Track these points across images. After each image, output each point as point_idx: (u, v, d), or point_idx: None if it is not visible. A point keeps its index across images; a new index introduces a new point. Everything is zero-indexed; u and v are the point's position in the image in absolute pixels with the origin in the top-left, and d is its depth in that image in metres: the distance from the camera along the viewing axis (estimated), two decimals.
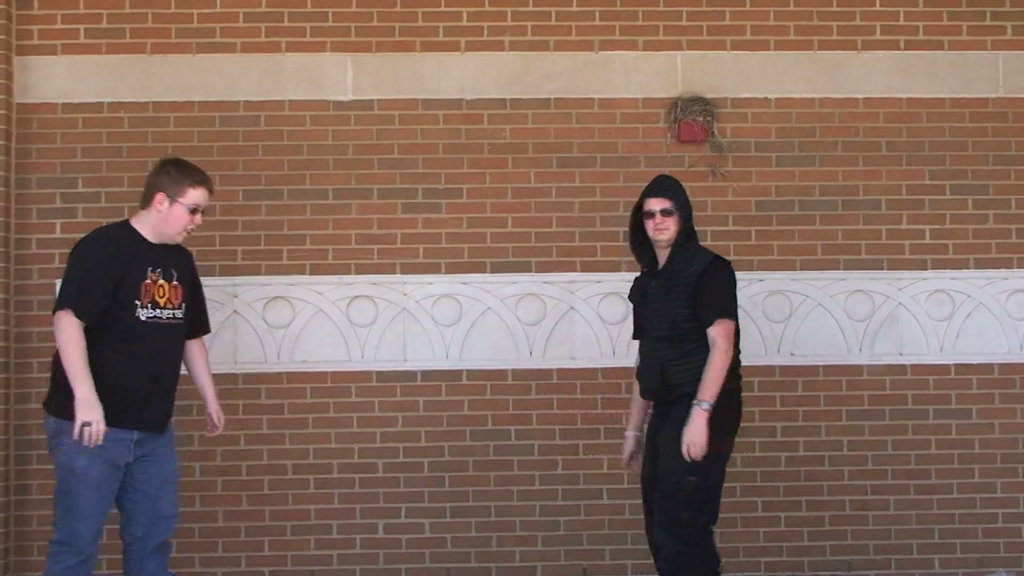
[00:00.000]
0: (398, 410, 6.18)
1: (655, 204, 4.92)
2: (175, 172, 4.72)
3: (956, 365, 6.29)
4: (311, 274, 6.21)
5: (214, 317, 6.11)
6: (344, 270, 6.21)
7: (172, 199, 4.68)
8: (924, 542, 6.22)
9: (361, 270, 6.21)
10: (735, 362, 4.94)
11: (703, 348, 4.79)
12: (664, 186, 4.99)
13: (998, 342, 6.32)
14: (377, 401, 6.18)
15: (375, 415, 6.17)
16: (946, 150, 6.35)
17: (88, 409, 4.43)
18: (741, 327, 6.33)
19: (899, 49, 6.39)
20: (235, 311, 6.16)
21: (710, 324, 4.79)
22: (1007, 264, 6.34)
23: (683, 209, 4.93)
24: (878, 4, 6.40)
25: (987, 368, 6.30)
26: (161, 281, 4.69)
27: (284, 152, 6.24)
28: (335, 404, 6.17)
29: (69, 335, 4.49)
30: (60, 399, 4.56)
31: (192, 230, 4.77)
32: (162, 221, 4.70)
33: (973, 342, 6.30)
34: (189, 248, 6.09)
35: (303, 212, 6.21)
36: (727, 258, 5.04)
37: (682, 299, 4.82)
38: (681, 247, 4.91)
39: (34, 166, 6.17)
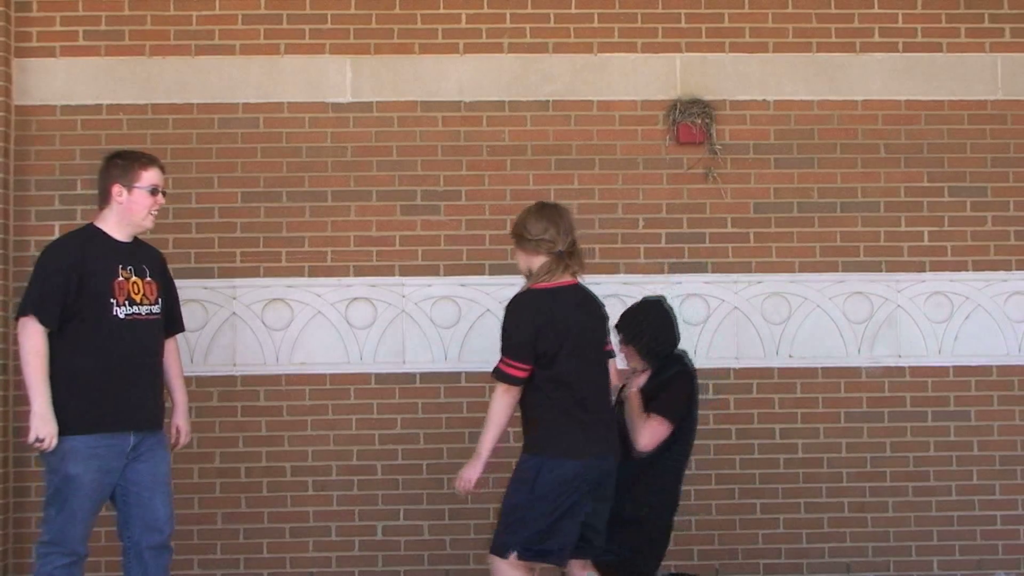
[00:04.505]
0: (397, 412, 6.18)
1: (616, 336, 5.18)
2: (123, 161, 4.78)
3: (955, 367, 6.30)
4: (310, 276, 6.21)
5: (213, 320, 6.14)
6: (343, 272, 6.21)
7: (128, 187, 4.72)
8: (923, 544, 6.22)
9: (360, 272, 6.21)
10: (672, 495, 5.13)
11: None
12: (620, 320, 5.18)
13: (996, 344, 6.32)
14: (376, 403, 6.18)
15: (374, 417, 6.17)
16: (945, 152, 6.36)
17: (42, 424, 4.52)
18: (740, 328, 6.35)
19: (898, 51, 6.39)
20: (234, 313, 6.16)
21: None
22: (1006, 266, 6.34)
23: (636, 338, 5.09)
24: (876, 6, 6.40)
25: (986, 370, 6.31)
26: (134, 278, 4.74)
27: (283, 154, 6.24)
28: (334, 406, 6.16)
29: (33, 343, 4.56)
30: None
31: (156, 212, 4.80)
32: (126, 211, 4.74)
33: (972, 344, 6.31)
34: (189, 247, 6.14)
35: (302, 214, 6.21)
36: (690, 367, 5.19)
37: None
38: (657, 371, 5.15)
39: (33, 168, 6.17)
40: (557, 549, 4.55)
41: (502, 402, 4.62)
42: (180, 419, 4.97)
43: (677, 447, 5.07)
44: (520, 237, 4.70)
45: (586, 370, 4.63)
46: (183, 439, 4.99)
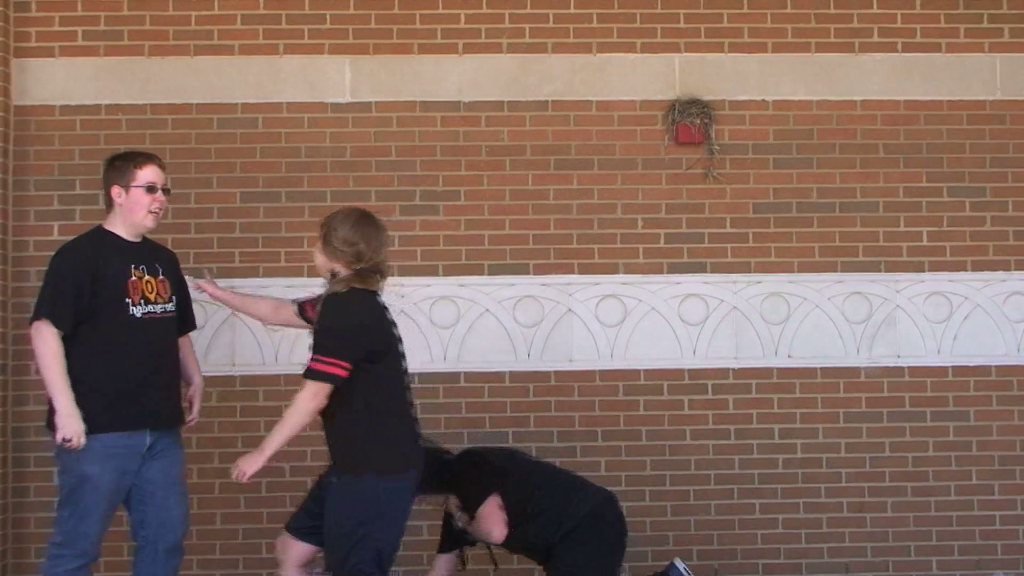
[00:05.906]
0: None
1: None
2: (119, 162, 4.81)
3: (954, 367, 6.30)
4: (309, 276, 6.18)
5: (213, 320, 6.14)
6: None
7: (126, 187, 4.75)
8: (922, 544, 6.22)
9: None
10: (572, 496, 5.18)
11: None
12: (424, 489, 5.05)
13: (995, 344, 6.32)
14: None
15: None
16: (944, 152, 6.36)
17: (69, 423, 4.50)
18: (739, 328, 6.36)
19: (897, 51, 6.39)
20: (233, 313, 6.15)
21: None
22: (1004, 266, 6.35)
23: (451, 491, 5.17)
24: (876, 6, 6.40)
25: (984, 370, 6.31)
26: (147, 277, 4.76)
27: (282, 154, 6.24)
28: None
29: (49, 346, 4.55)
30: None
31: (159, 210, 4.80)
32: (127, 212, 4.76)
33: (970, 344, 6.31)
34: (188, 247, 6.13)
35: (301, 214, 6.21)
36: None
37: None
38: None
39: (32, 168, 6.17)
40: (389, 566, 4.50)
41: (310, 404, 4.39)
42: (196, 395, 5.02)
43: (539, 493, 5.16)
44: (326, 237, 4.55)
45: (403, 379, 4.57)
46: (194, 411, 4.99)
